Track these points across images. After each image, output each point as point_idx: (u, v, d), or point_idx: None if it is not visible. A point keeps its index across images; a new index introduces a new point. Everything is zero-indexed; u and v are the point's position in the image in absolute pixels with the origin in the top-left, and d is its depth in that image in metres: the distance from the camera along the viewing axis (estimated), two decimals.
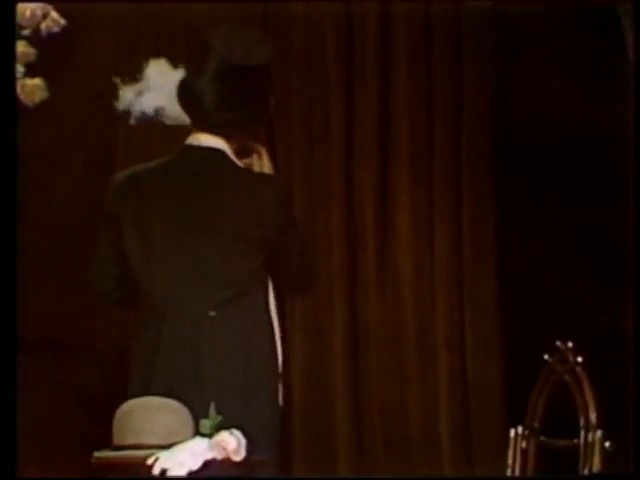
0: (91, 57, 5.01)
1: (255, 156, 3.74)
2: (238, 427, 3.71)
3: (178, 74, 3.67)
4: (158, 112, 3.68)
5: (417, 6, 5.09)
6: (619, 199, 4.94)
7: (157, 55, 4.09)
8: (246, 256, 3.56)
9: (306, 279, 3.72)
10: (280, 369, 3.71)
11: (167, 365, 3.83)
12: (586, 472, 3.92)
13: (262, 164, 3.74)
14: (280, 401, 3.74)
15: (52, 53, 4.06)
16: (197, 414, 3.81)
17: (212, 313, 3.58)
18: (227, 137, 3.60)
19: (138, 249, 3.67)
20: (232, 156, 3.63)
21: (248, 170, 3.65)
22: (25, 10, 3.98)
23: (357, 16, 5.19)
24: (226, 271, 3.55)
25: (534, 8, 4.78)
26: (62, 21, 3.98)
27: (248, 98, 3.56)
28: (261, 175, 3.66)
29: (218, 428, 4.07)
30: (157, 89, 3.70)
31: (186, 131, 3.68)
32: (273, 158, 5.15)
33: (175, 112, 3.69)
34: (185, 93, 3.58)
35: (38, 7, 3.99)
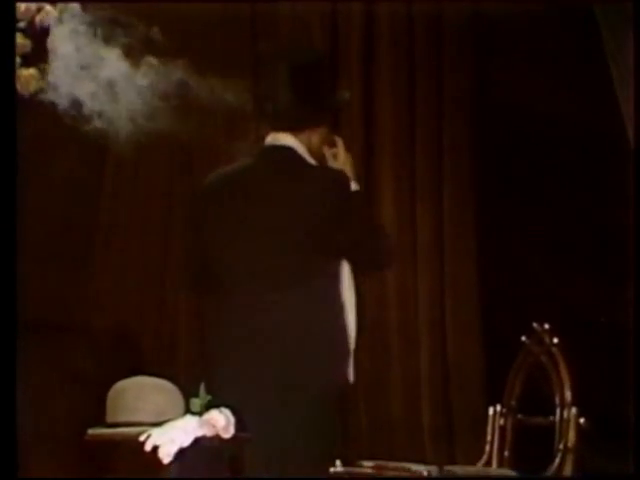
0: None
1: (327, 148, 3.86)
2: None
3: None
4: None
5: (399, 6, 5.10)
6: (598, 186, 4.97)
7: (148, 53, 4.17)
8: (312, 245, 3.66)
9: (380, 258, 3.78)
10: (350, 351, 3.75)
11: (238, 348, 3.83)
12: (561, 447, 3.93)
13: (338, 155, 3.86)
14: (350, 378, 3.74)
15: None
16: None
17: (279, 298, 3.67)
18: (299, 134, 3.73)
19: (220, 242, 3.77)
20: (303, 152, 3.74)
21: (312, 165, 3.74)
22: (20, 4, 3.99)
23: (342, 16, 5.20)
24: (293, 260, 3.66)
25: (512, 7, 4.79)
26: (55, 13, 3.99)
27: (316, 93, 3.69)
28: (324, 169, 3.75)
29: (208, 407, 4.09)
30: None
31: None
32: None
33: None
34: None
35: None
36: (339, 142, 3.85)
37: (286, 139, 3.73)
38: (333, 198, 3.69)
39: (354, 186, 3.80)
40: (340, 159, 3.83)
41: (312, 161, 3.75)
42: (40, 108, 4.05)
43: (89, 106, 4.04)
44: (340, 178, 3.73)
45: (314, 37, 5.21)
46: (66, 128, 5.07)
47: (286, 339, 3.69)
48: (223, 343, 3.87)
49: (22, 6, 3.96)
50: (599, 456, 4.40)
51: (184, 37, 5.23)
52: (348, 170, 3.84)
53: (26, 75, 3.93)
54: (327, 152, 3.83)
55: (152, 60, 4.60)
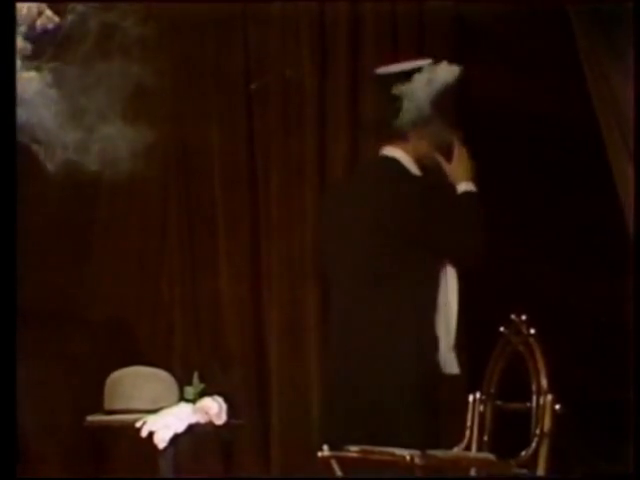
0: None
1: (438, 153, 3.97)
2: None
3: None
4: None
5: (384, 6, 5.12)
6: (578, 181, 4.98)
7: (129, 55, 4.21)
8: (410, 247, 3.88)
9: (469, 254, 4.01)
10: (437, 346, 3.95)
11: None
12: (537, 432, 3.95)
13: (453, 157, 4.00)
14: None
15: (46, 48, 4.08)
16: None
17: (367, 292, 3.92)
18: (405, 144, 3.98)
19: (328, 240, 4.13)
20: (408, 162, 3.98)
21: (412, 175, 3.97)
22: (22, 8, 3.99)
23: (329, 17, 5.19)
24: (390, 260, 3.90)
25: (493, 8, 4.79)
26: (56, 18, 3.99)
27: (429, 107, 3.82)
28: (422, 178, 3.99)
29: (201, 394, 4.13)
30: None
31: None
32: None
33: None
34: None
35: (34, 5, 4.00)
36: (456, 144, 4.00)
37: (393, 151, 3.94)
38: (425, 205, 3.85)
39: (466, 187, 3.95)
40: (454, 161, 3.99)
41: (416, 170, 3.94)
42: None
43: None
44: (437, 185, 3.88)
45: (302, 37, 5.22)
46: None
47: (377, 331, 3.83)
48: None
49: (23, 10, 3.97)
50: (575, 440, 4.45)
51: (174, 39, 5.26)
52: (462, 172, 4.00)
53: (26, 78, 3.95)
54: (439, 157, 3.99)
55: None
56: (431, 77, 3.99)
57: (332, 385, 4.18)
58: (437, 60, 4.03)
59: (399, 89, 3.95)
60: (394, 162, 4.03)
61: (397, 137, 4.01)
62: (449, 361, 4.11)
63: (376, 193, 4.00)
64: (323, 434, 4.09)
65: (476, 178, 4.23)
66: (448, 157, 4.11)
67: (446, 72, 4.03)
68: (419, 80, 3.98)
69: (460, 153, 4.12)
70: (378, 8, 5.10)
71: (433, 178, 4.04)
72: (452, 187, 4.11)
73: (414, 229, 3.94)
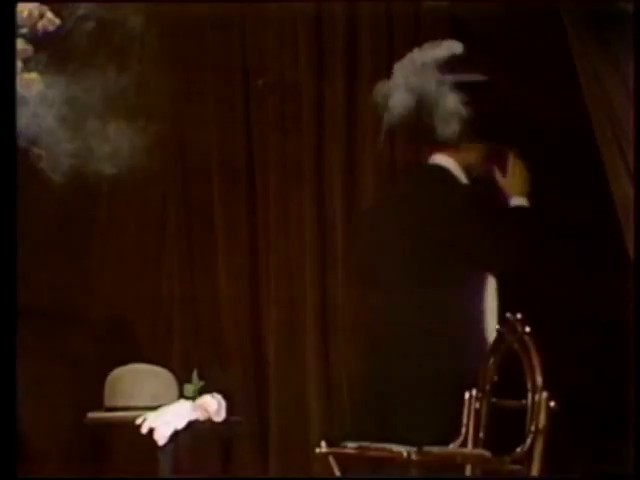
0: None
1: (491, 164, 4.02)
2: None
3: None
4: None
5: (379, 7, 5.12)
6: (572, 179, 4.97)
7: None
8: (454, 255, 3.95)
9: (511, 269, 4.07)
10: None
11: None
12: (533, 428, 3.96)
13: (507, 170, 4.03)
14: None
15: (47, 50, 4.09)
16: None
17: (410, 298, 4.00)
18: (455, 153, 4.02)
19: (365, 246, 4.22)
20: (457, 171, 4.03)
21: (460, 184, 4.02)
22: (23, 10, 4.00)
23: (326, 18, 5.19)
24: (424, 266, 3.97)
25: (488, 8, 4.77)
26: (57, 21, 4.01)
27: (468, 113, 3.85)
28: (469, 187, 4.04)
29: (200, 392, 4.15)
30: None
31: None
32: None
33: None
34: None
35: (35, 8, 4.01)
36: (510, 157, 4.03)
37: (442, 159, 3.97)
38: (472, 214, 3.88)
39: (519, 201, 3.98)
40: (509, 175, 4.02)
41: (465, 180, 3.97)
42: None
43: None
44: (486, 196, 3.94)
45: (300, 39, 5.22)
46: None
47: (419, 337, 3.88)
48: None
49: (25, 12, 3.98)
50: (569, 435, 4.46)
51: (173, 39, 5.26)
52: (517, 186, 4.02)
53: (27, 79, 3.95)
54: (493, 169, 4.03)
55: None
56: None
57: (367, 387, 4.21)
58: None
59: (453, 100, 3.98)
60: (443, 170, 4.07)
61: (448, 146, 4.03)
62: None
63: (423, 200, 4.03)
64: (355, 433, 4.13)
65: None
66: (502, 170, 4.15)
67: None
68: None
69: (515, 167, 4.15)
70: (375, 8, 5.10)
71: (482, 188, 4.06)
72: (503, 200, 4.14)
73: (459, 238, 3.97)
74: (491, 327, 4.15)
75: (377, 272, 4.16)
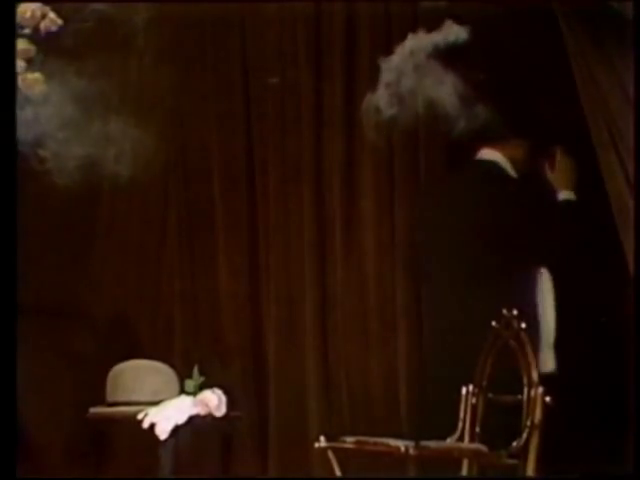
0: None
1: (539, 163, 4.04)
2: None
3: None
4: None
5: (378, 6, 5.10)
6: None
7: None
8: (506, 248, 3.97)
9: (561, 261, 4.12)
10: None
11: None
12: (529, 423, 3.97)
13: (555, 165, 4.07)
14: None
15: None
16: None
17: (465, 291, 4.07)
18: (503, 148, 4.07)
19: (421, 240, 4.30)
20: (506, 165, 4.08)
21: (510, 178, 4.07)
22: (26, 11, 4.02)
23: (325, 18, 5.20)
24: (478, 259, 4.02)
25: (486, 9, 4.75)
26: (59, 21, 4.02)
27: (516, 110, 3.86)
28: (518, 181, 4.09)
29: (201, 387, 4.17)
30: None
31: None
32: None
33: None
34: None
35: (38, 8, 4.03)
36: (558, 153, 4.07)
37: (491, 154, 4.02)
38: (524, 208, 3.93)
39: (567, 195, 4.01)
40: (557, 170, 4.05)
41: (514, 173, 4.00)
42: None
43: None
44: (535, 189, 3.99)
45: (299, 39, 5.23)
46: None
47: (473, 328, 3.92)
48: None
49: (27, 13, 4.00)
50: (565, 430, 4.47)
51: (173, 40, 5.27)
52: (565, 180, 4.06)
53: (31, 79, 3.97)
54: (542, 164, 4.06)
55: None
56: None
57: (423, 378, 4.24)
58: None
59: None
60: (493, 164, 4.11)
61: (496, 141, 4.07)
62: (547, 359, 4.16)
63: (475, 194, 4.08)
64: (411, 426, 4.17)
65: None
66: (550, 165, 4.20)
67: None
68: None
69: (563, 162, 4.20)
70: (373, 8, 5.11)
71: (531, 182, 4.10)
72: (551, 194, 4.17)
73: (510, 230, 4.00)
74: (549, 321, 4.17)
75: (432, 267, 4.19)
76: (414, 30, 5.04)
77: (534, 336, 4.08)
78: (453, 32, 4.00)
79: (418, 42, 3.99)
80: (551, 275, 4.16)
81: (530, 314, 4.10)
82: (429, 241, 4.28)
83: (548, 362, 4.24)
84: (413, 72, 4.12)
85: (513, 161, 4.23)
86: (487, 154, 4.22)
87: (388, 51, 5.13)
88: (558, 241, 4.13)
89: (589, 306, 4.33)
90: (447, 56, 4.13)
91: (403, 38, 5.11)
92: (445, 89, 4.11)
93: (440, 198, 4.32)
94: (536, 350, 4.00)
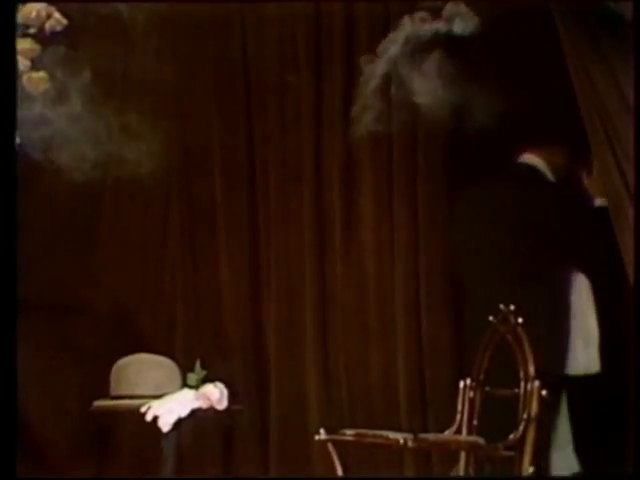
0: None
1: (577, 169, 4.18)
2: None
3: None
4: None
5: (376, 6, 5.09)
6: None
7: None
8: (541, 251, 4.07)
9: (599, 265, 4.16)
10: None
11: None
12: (525, 416, 3.99)
13: (592, 171, 4.11)
14: None
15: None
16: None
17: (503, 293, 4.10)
18: (542, 153, 4.16)
19: (462, 243, 4.33)
20: (546, 170, 4.16)
21: (548, 182, 4.14)
22: (31, 11, 4.03)
23: (325, 18, 5.20)
24: (516, 262, 4.10)
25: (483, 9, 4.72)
26: (64, 21, 4.03)
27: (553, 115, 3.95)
28: (557, 186, 4.18)
29: (203, 381, 4.19)
30: None
31: None
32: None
33: None
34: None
35: (43, 8, 4.04)
36: (594, 160, 4.11)
37: (532, 158, 4.05)
38: (563, 212, 3.97)
39: (602, 202, 4.05)
40: (594, 176, 4.11)
41: (552, 178, 4.04)
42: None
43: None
44: (572, 195, 3.97)
45: (299, 39, 5.24)
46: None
47: None
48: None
49: (33, 13, 4.01)
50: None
51: (176, 40, 5.28)
52: (600, 186, 4.08)
53: (35, 77, 3.97)
54: (580, 170, 4.10)
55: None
56: None
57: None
58: None
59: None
60: (533, 169, 4.15)
61: (536, 146, 4.11)
62: (591, 360, 4.18)
63: (514, 196, 4.12)
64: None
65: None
66: (587, 171, 4.24)
67: None
68: None
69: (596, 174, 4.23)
70: (371, 8, 5.10)
71: (570, 187, 4.14)
72: (589, 199, 4.20)
73: (550, 235, 4.04)
74: (590, 323, 4.21)
75: (475, 269, 4.23)
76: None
77: (563, 336, 4.07)
78: (460, 25, 4.01)
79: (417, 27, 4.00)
80: (589, 279, 4.16)
81: (562, 314, 4.09)
82: (467, 241, 4.31)
83: (592, 363, 4.25)
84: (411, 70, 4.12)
85: (552, 166, 4.28)
86: (528, 158, 4.27)
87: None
88: (593, 245, 4.15)
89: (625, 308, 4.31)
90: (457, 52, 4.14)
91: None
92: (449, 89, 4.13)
93: (479, 199, 4.36)
94: (564, 349, 4.09)
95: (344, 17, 5.19)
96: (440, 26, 4.00)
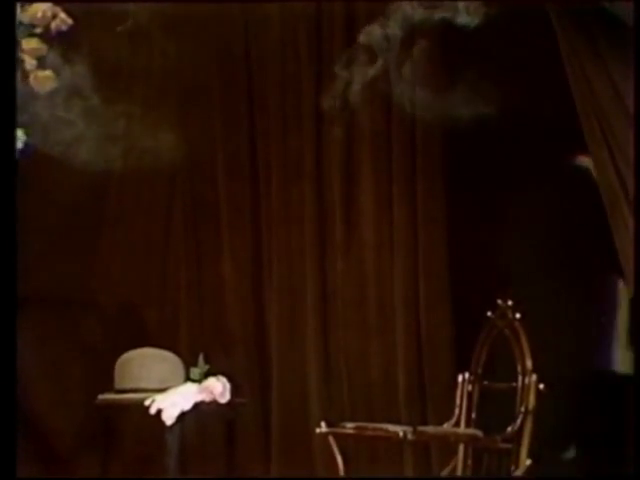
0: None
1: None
2: None
3: None
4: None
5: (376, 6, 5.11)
6: (558, 175, 4.97)
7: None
8: (584, 253, 4.11)
9: None
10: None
11: None
12: (522, 409, 4.00)
13: None
14: None
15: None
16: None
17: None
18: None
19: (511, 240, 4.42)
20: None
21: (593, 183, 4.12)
22: (37, 11, 4.04)
23: (325, 18, 5.21)
24: (566, 263, 4.23)
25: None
26: (69, 21, 4.04)
27: None
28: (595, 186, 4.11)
29: (206, 375, 4.20)
30: None
31: None
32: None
33: None
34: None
35: (48, 8, 4.05)
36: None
37: (584, 160, 4.06)
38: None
39: None
40: None
41: None
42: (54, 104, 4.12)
43: None
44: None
45: (300, 40, 5.24)
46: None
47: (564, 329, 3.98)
48: None
49: (39, 13, 4.02)
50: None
51: (179, 39, 5.28)
52: None
53: (42, 76, 3.98)
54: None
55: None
56: None
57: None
58: None
59: None
60: (585, 170, 4.16)
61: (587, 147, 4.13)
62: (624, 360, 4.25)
63: (566, 198, 4.13)
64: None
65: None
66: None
67: None
68: None
69: None
70: (371, 7, 5.05)
71: None
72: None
73: (597, 235, 4.05)
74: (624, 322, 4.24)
75: (521, 267, 4.26)
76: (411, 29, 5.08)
77: (611, 335, 4.06)
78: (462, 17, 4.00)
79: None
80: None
81: (612, 314, 4.13)
82: (519, 241, 4.34)
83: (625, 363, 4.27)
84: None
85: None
86: (580, 160, 4.29)
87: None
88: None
89: None
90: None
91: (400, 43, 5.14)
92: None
93: (530, 200, 4.37)
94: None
95: (344, 17, 5.17)
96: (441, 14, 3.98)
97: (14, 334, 3.36)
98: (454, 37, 4.92)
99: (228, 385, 4.19)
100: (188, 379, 4.20)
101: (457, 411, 4.26)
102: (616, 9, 3.98)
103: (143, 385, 4.39)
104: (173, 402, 4.12)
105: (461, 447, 4.22)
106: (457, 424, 4.23)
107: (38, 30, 4.03)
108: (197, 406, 4.14)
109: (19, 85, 3.94)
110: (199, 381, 4.17)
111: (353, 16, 5.17)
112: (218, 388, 4.19)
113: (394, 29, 4.07)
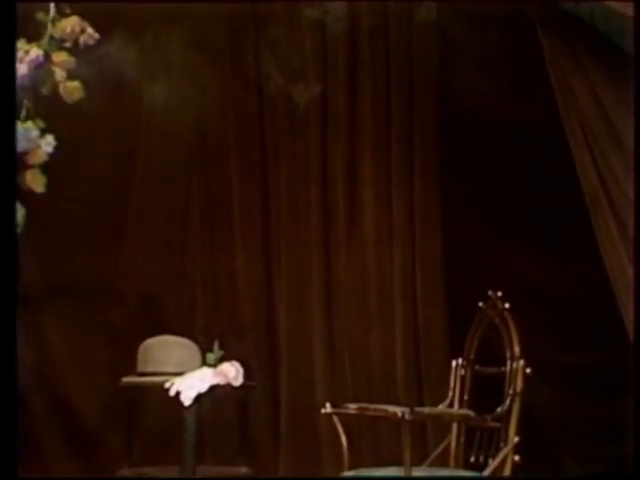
0: None
1: None
2: None
3: None
4: None
5: (377, 5, 5.01)
6: (545, 172, 4.98)
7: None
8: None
9: None
10: None
11: None
12: (511, 392, 4.04)
13: None
14: None
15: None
16: None
17: None
18: None
19: None
20: None
21: None
22: (66, 26, 4.05)
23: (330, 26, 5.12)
24: None
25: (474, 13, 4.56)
26: (96, 35, 4.06)
27: None
28: None
29: (221, 360, 4.24)
30: None
31: None
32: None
33: None
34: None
35: (77, 24, 4.05)
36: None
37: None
38: None
39: None
40: None
41: None
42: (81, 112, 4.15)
43: None
44: None
45: (305, 40, 5.23)
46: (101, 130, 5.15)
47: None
48: None
49: (68, 28, 4.03)
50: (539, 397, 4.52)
51: (191, 42, 5.24)
52: None
53: (70, 87, 3.99)
54: None
55: None
56: None
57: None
58: None
59: None
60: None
61: None
62: None
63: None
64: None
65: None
66: None
67: None
68: None
69: None
70: (371, 7, 5.05)
71: None
72: None
73: None
74: None
75: None
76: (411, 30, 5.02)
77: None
78: None
79: None
80: None
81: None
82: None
83: None
84: None
85: None
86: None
87: (386, 53, 5.13)
88: None
89: None
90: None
91: (400, 39, 5.10)
92: None
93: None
94: None
95: (349, 24, 5.11)
96: None
97: (14, 334, 3.28)
98: (454, 40, 4.91)
99: (241, 369, 4.23)
100: (204, 364, 4.23)
101: (451, 393, 4.27)
102: (596, 22, 3.96)
103: (163, 369, 4.44)
104: (191, 385, 4.16)
105: (454, 426, 4.26)
106: (451, 405, 4.25)
107: (67, 44, 4.04)
108: (212, 388, 4.17)
109: (50, 95, 3.97)
110: (214, 366, 4.21)
111: (356, 23, 5.12)
112: (232, 372, 4.23)
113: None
